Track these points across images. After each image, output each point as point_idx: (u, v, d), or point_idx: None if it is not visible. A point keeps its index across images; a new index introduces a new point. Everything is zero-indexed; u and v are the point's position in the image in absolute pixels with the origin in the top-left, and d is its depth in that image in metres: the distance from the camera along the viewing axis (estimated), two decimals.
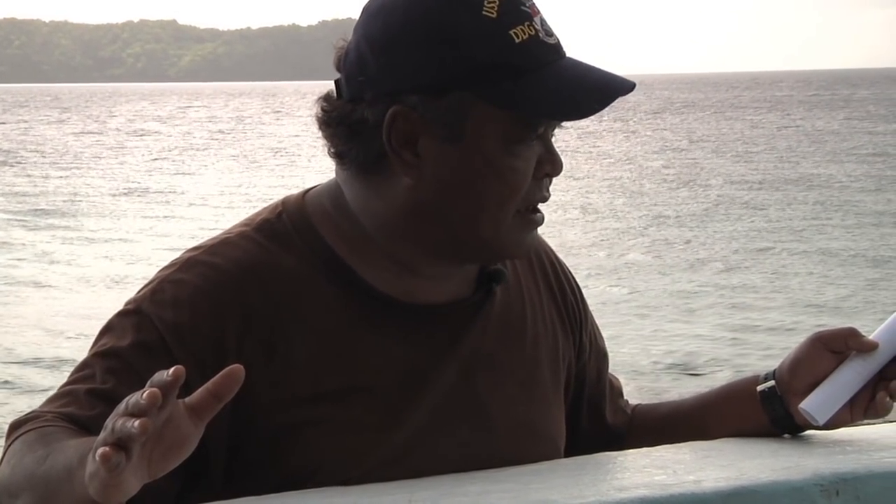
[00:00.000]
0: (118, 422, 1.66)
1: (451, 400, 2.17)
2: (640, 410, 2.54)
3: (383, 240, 2.13)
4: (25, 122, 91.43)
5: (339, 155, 2.14)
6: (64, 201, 36.60)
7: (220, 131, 74.29)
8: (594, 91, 2.07)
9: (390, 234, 2.13)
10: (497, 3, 2.03)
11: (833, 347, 2.29)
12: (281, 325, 2.08)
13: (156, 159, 53.30)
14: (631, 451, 2.28)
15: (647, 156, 49.98)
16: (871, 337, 2.29)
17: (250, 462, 2.03)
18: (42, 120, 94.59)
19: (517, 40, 2.03)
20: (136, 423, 1.63)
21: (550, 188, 2.15)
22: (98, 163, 52.47)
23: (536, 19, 2.05)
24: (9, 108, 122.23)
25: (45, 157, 55.93)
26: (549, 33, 2.07)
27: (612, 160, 48.21)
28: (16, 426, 2.01)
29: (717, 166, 44.21)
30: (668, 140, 59.27)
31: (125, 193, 38.91)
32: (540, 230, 2.23)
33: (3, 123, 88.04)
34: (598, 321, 2.50)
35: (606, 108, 2.12)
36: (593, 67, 2.10)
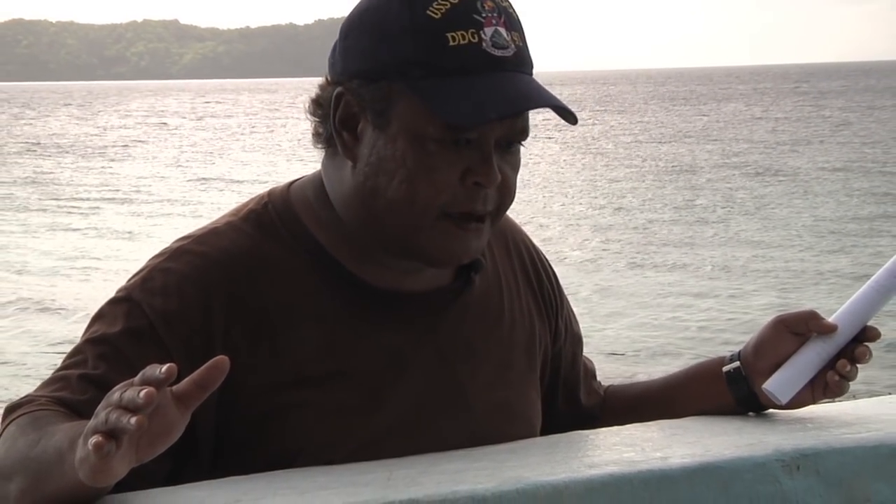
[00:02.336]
0: (112, 414, 1.67)
1: (431, 383, 2.16)
2: (612, 391, 2.55)
3: (352, 226, 2.13)
4: (47, 117, 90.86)
5: (315, 134, 2.16)
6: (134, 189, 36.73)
7: (252, 126, 74.05)
8: (506, 101, 2.01)
9: (353, 220, 2.12)
10: (447, 6, 2.00)
11: (795, 329, 2.30)
12: (266, 313, 2.08)
13: (210, 152, 52.93)
14: (602, 429, 2.28)
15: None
16: (830, 319, 2.29)
17: (238, 444, 2.04)
18: (68, 116, 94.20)
19: (451, 43, 2.00)
20: (133, 419, 1.64)
21: (495, 203, 2.09)
22: (153, 154, 52.20)
23: (488, 30, 2.01)
24: (28, 104, 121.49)
25: (91, 149, 55.55)
26: (500, 46, 2.02)
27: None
28: (11, 410, 2.01)
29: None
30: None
31: (200, 180, 39.16)
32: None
33: (34, 119, 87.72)
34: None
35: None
36: (530, 83, 2.05)
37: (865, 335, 2.29)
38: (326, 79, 2.14)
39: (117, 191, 37.01)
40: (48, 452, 1.85)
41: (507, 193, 2.09)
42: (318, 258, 2.13)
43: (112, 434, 1.67)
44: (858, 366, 2.28)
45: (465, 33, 2.00)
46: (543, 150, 47.88)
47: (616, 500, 1.99)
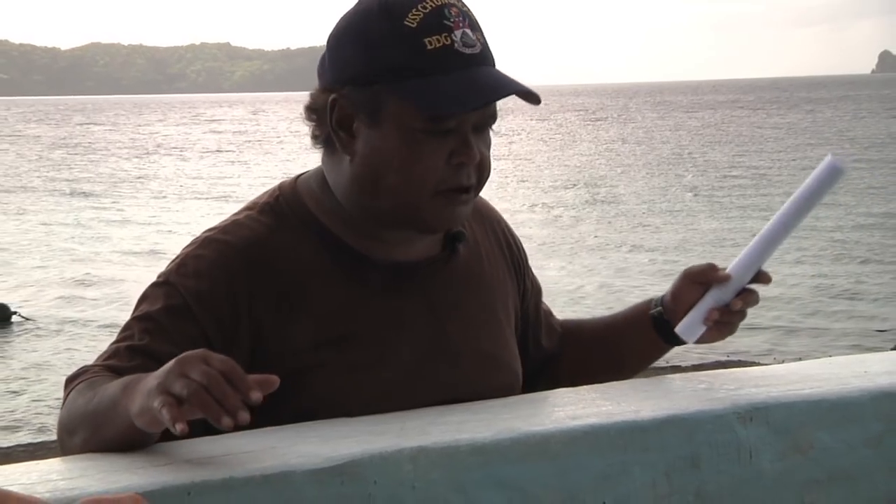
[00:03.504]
0: (198, 394, 1.70)
1: (427, 340, 2.17)
2: (567, 327, 2.55)
3: (352, 210, 2.14)
4: (142, 125, 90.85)
5: (313, 137, 2.17)
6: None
7: None
8: (480, 92, 2.04)
9: (352, 205, 2.14)
10: (420, 16, 2.03)
11: (698, 280, 2.30)
12: (284, 288, 2.09)
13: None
14: (583, 387, 2.27)
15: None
16: (726, 270, 2.29)
17: (267, 401, 2.02)
18: (165, 122, 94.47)
19: (429, 47, 2.02)
20: (226, 420, 1.69)
21: (476, 177, 2.11)
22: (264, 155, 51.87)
23: (457, 33, 2.04)
24: (126, 114, 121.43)
25: (209, 151, 55.06)
26: (469, 45, 2.04)
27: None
28: (70, 380, 2.04)
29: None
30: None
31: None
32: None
33: (139, 126, 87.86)
34: None
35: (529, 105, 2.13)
36: (497, 74, 2.08)
37: (758, 278, 2.28)
38: (318, 87, 2.16)
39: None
40: (104, 403, 1.88)
41: (484, 168, 2.12)
42: (324, 239, 2.14)
43: (181, 400, 1.71)
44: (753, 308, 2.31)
45: (439, 37, 2.03)
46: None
47: (595, 446, 1.99)
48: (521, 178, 40.28)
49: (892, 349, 13.49)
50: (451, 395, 2.16)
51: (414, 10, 2.03)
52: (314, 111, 2.15)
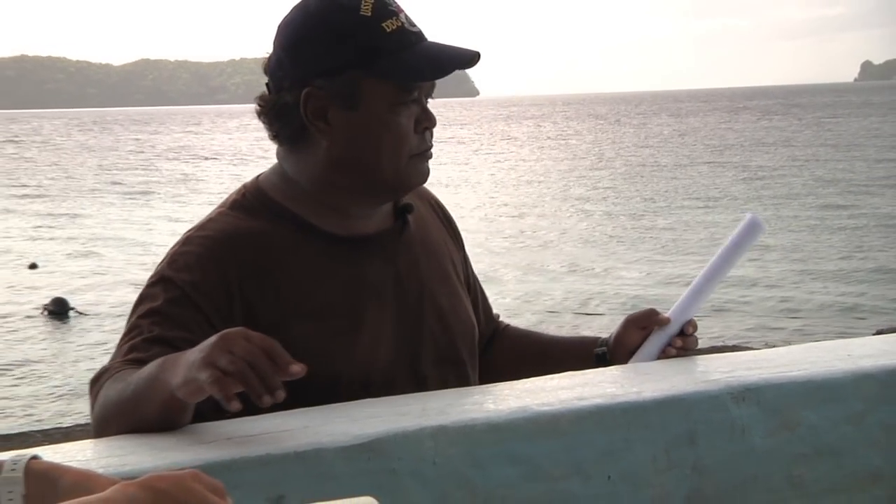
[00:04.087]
0: (244, 372, 1.70)
1: (394, 301, 2.20)
2: (509, 329, 2.57)
3: (319, 193, 2.17)
4: (197, 133, 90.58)
5: (275, 136, 2.20)
6: None
7: None
8: (442, 61, 2.11)
9: (322, 187, 2.17)
10: (371, 5, 2.08)
11: (640, 325, 2.36)
12: (266, 270, 2.10)
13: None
14: (590, 370, 2.26)
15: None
16: (667, 314, 2.35)
17: None
18: (217, 130, 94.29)
19: (388, 30, 2.09)
20: (265, 398, 1.71)
21: (433, 140, 2.19)
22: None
23: (402, 15, 2.12)
24: (180, 125, 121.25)
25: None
26: (412, 24, 2.13)
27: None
28: (94, 381, 2.01)
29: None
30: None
31: None
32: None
33: (203, 134, 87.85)
34: None
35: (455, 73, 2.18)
36: (446, 46, 2.16)
37: (685, 329, 2.35)
38: (270, 90, 2.17)
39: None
40: (141, 385, 1.86)
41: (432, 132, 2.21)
42: (291, 222, 2.16)
43: (226, 374, 1.70)
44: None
45: (391, 21, 2.10)
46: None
47: (600, 424, 1.98)
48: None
49: (874, 334, 13.45)
50: (424, 347, 2.20)
51: (364, 1, 2.09)
52: (273, 111, 2.16)
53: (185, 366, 1.76)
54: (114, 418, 1.90)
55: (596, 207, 29.78)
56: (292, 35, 2.13)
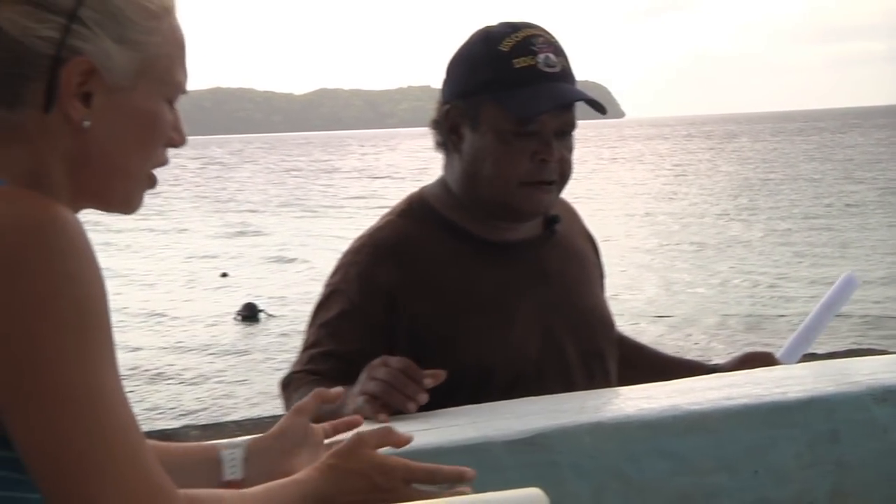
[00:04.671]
0: (387, 394, 1.88)
1: (542, 300, 2.19)
2: (625, 338, 2.50)
3: (465, 201, 2.20)
4: (376, 155, 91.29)
5: (436, 144, 2.24)
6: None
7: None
8: (552, 99, 2.10)
9: (465, 196, 2.20)
10: (512, 42, 2.12)
11: (756, 364, 2.32)
12: (426, 272, 2.15)
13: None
14: (738, 371, 2.22)
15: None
16: (778, 356, 2.37)
17: (425, 365, 2.01)
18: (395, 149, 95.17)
19: (517, 66, 2.10)
20: (410, 405, 1.88)
21: (557, 173, 2.16)
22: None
23: (541, 56, 2.11)
24: (356, 147, 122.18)
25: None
26: (550, 65, 2.12)
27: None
28: (285, 385, 2.14)
29: None
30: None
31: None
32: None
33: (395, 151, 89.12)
34: None
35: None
36: (568, 88, 2.14)
37: None
38: (438, 104, 2.23)
39: None
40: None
41: (565, 166, 2.18)
42: (448, 229, 2.20)
43: (376, 397, 1.88)
44: None
45: (525, 59, 2.12)
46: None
47: (747, 423, 1.95)
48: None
49: None
50: (569, 341, 2.19)
51: (507, 38, 2.13)
52: (433, 123, 2.24)
53: (352, 397, 1.90)
54: None
55: None
56: (451, 59, 2.23)
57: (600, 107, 2.18)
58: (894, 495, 2.04)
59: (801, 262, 20.71)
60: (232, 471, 1.50)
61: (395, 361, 1.91)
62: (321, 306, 2.18)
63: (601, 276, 2.41)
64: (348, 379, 1.96)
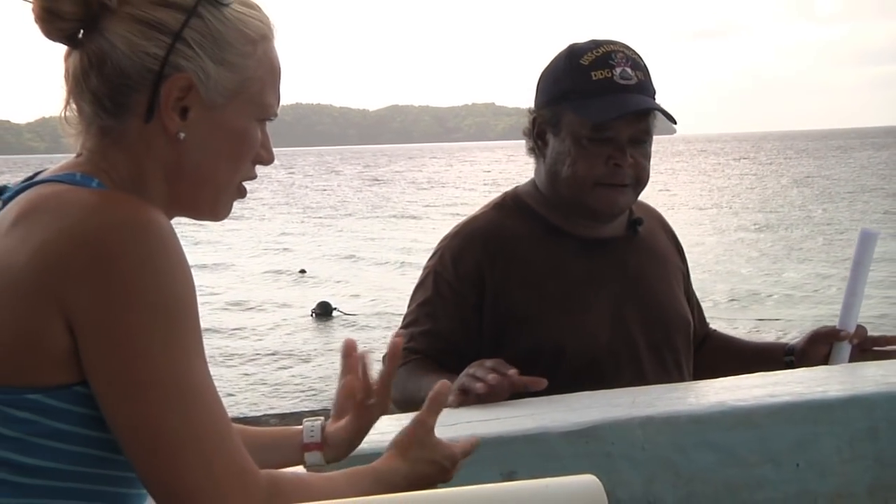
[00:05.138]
0: (468, 381, 1.94)
1: (618, 293, 2.22)
2: (717, 333, 2.54)
3: (552, 199, 2.24)
4: (447, 168, 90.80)
5: (528, 149, 2.30)
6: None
7: None
8: (621, 107, 2.11)
9: (550, 194, 2.24)
10: (592, 57, 2.15)
11: (825, 340, 2.32)
12: (513, 259, 2.19)
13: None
14: (780, 371, 2.20)
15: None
16: (837, 326, 2.32)
17: (504, 342, 2.12)
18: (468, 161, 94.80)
19: (594, 78, 2.13)
20: (479, 385, 1.92)
21: (631, 178, 2.17)
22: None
23: (617, 69, 2.14)
24: (422, 159, 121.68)
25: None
26: (626, 78, 2.14)
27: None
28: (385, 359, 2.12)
29: None
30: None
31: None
32: None
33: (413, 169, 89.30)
34: None
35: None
36: (640, 99, 2.14)
37: (857, 333, 2.31)
38: (528, 114, 2.28)
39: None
40: (419, 390, 1.95)
41: (640, 171, 2.20)
42: (538, 222, 2.25)
43: (464, 391, 1.94)
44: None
45: (602, 71, 2.15)
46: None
47: (790, 419, 1.92)
48: None
49: None
50: (640, 334, 2.20)
51: (588, 53, 2.16)
52: (527, 131, 2.29)
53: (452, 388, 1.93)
54: (399, 398, 2.00)
55: None
56: (540, 73, 2.27)
57: (671, 118, 2.21)
58: None
59: None
60: (311, 435, 1.51)
61: (489, 361, 1.96)
62: (420, 286, 2.24)
63: (683, 276, 2.42)
64: (444, 355, 2.07)
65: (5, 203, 1.26)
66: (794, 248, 22.63)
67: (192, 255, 1.26)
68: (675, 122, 2.23)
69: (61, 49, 1.29)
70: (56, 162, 1.34)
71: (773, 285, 17.56)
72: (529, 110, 2.26)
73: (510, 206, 2.28)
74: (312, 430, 1.51)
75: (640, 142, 2.18)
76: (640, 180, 2.20)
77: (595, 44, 2.19)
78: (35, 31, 1.26)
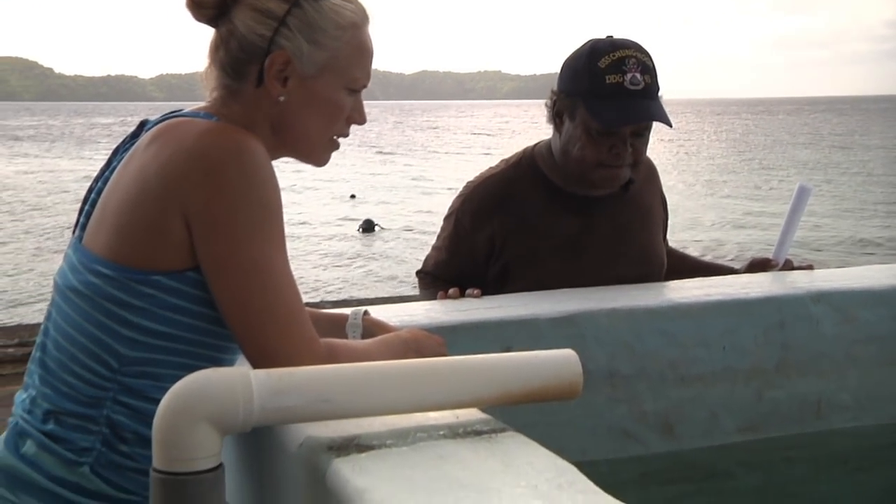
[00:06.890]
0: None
1: (605, 241, 2.11)
2: (673, 250, 2.38)
3: (562, 166, 2.09)
4: (470, 117, 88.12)
5: (548, 120, 2.12)
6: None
7: None
8: (627, 117, 1.96)
9: (562, 163, 2.09)
10: (608, 61, 1.96)
11: (761, 268, 2.25)
12: (519, 211, 2.07)
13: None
14: (716, 277, 2.17)
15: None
16: (771, 257, 2.24)
17: (505, 280, 2.04)
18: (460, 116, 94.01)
19: (607, 81, 1.95)
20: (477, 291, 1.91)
21: (629, 160, 2.03)
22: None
23: (628, 75, 1.95)
24: (452, 112, 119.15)
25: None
26: (635, 84, 1.95)
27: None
28: (419, 273, 2.20)
29: None
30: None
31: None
32: None
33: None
34: None
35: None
36: (646, 105, 1.97)
37: (787, 264, 2.25)
38: (551, 90, 2.13)
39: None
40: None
41: (638, 155, 2.04)
42: (545, 183, 2.11)
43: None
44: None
45: (615, 76, 1.95)
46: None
47: (720, 312, 1.90)
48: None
49: None
50: (626, 273, 2.11)
51: (606, 57, 1.97)
52: (549, 103, 2.12)
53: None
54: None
55: None
56: (566, 59, 2.09)
57: (669, 124, 2.03)
58: (824, 369, 2.02)
59: None
60: (354, 319, 1.52)
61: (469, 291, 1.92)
62: (447, 220, 2.14)
63: (662, 224, 2.30)
64: (459, 282, 1.98)
65: (146, 131, 1.29)
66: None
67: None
68: (672, 127, 2.06)
69: (178, 20, 1.28)
70: (170, 108, 1.35)
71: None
72: (552, 90, 2.11)
73: (524, 165, 2.15)
74: (356, 317, 1.53)
75: (641, 135, 2.05)
76: (637, 161, 2.07)
77: (613, 46, 2.01)
78: (161, 6, 1.26)
